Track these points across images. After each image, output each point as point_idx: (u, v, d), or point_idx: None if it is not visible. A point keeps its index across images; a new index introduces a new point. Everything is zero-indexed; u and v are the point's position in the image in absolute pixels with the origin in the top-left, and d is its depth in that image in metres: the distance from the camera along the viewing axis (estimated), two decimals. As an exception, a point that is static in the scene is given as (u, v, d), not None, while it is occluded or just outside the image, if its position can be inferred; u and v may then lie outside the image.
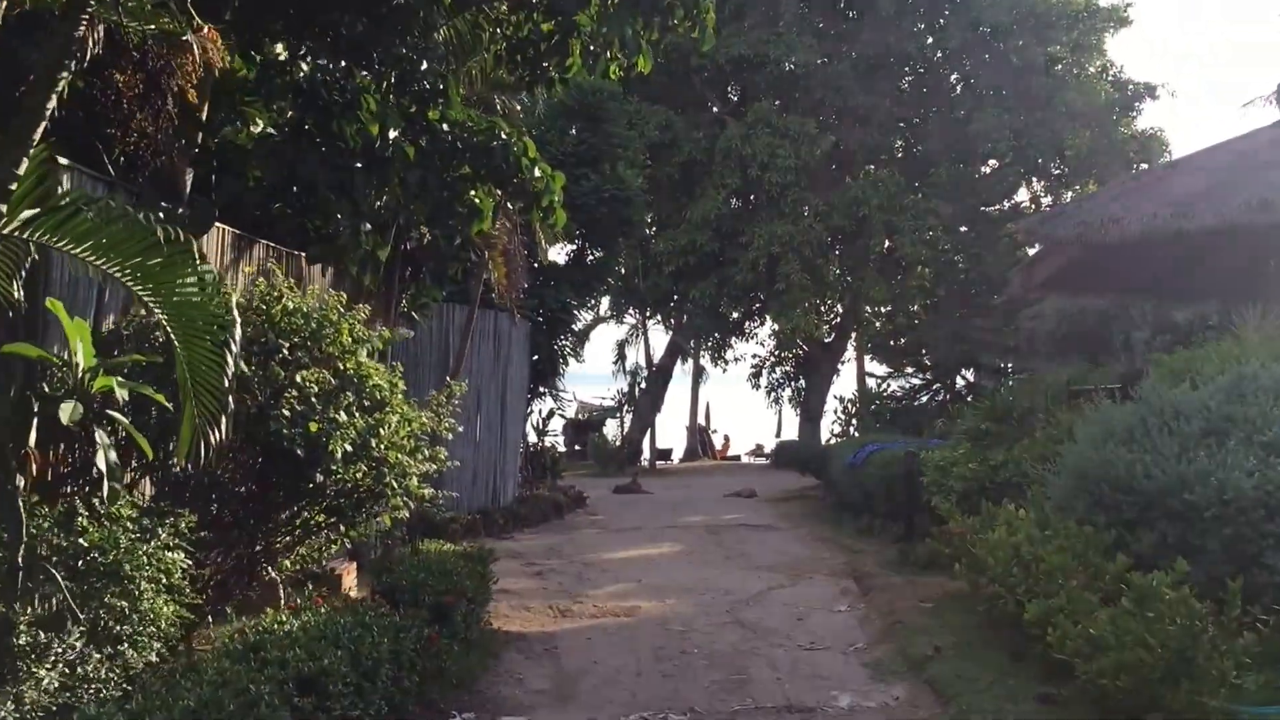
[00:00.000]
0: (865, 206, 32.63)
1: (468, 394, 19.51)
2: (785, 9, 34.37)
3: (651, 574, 15.45)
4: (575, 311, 24.28)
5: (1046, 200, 35.35)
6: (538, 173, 10.64)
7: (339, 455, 7.12)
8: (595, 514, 23.70)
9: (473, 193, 10.73)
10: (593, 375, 40.90)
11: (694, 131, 34.51)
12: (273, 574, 8.34)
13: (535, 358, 24.33)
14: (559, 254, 25.51)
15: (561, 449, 41.91)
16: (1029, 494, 11.35)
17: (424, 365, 18.61)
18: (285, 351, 7.25)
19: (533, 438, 26.37)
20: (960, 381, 31.68)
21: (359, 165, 9.84)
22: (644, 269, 36.01)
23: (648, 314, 40.26)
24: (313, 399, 7.23)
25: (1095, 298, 20.30)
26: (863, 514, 19.94)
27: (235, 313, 5.53)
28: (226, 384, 5.25)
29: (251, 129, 10.26)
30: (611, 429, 40.83)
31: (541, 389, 25.90)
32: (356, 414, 7.50)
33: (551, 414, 27.12)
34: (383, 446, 7.50)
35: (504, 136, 10.44)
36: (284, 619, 6.47)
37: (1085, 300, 24.32)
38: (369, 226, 10.39)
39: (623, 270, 38.51)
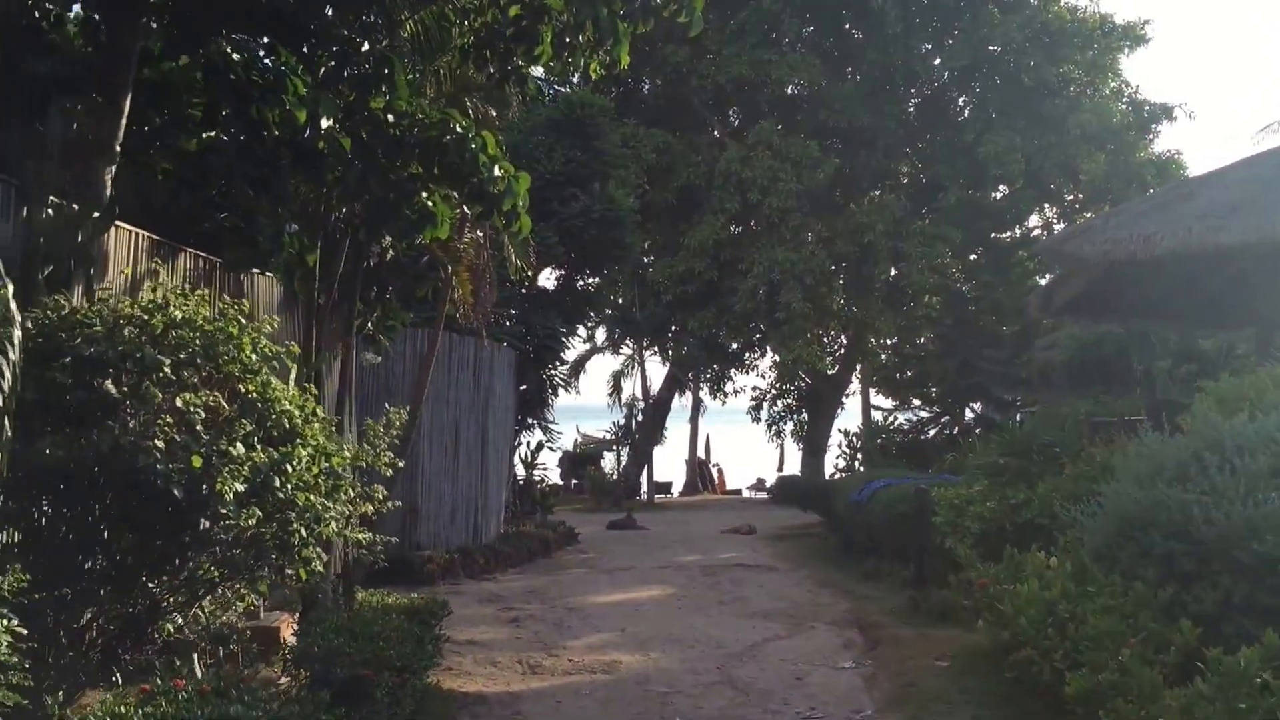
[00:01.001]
0: (870, 232, 31.22)
1: (444, 426, 18.28)
2: (788, 28, 33.12)
3: (638, 622, 14.05)
4: (564, 339, 22.91)
5: (1059, 227, 34.02)
6: (498, 171, 9.27)
7: (229, 496, 5.74)
8: (585, 552, 22.31)
9: (424, 195, 9.37)
10: (589, 408, 39.57)
11: (692, 155, 33.18)
12: (177, 633, 6.96)
13: (524, 387, 22.99)
14: (548, 279, 24.23)
15: (558, 482, 40.85)
16: (1059, 540, 9.98)
17: (398, 395, 17.20)
18: (167, 369, 5.87)
19: (521, 471, 25.02)
20: (969, 414, 30.37)
21: (284, 158, 8.50)
22: (640, 298, 34.68)
23: (644, 345, 38.81)
24: (198, 428, 5.86)
25: (1117, 323, 18.88)
26: (868, 555, 18.54)
27: (13, 310, 4.21)
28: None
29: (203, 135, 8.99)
30: (610, 462, 39.41)
31: (530, 420, 24.53)
32: (257, 446, 6.13)
33: (540, 446, 25.72)
34: (289, 486, 6.11)
35: (459, 130, 9.09)
36: (125, 708, 5.06)
37: (1105, 326, 23.04)
38: (295, 227, 9.02)
39: (619, 300, 37.37)
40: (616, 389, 40.70)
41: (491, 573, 18.29)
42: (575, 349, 32.74)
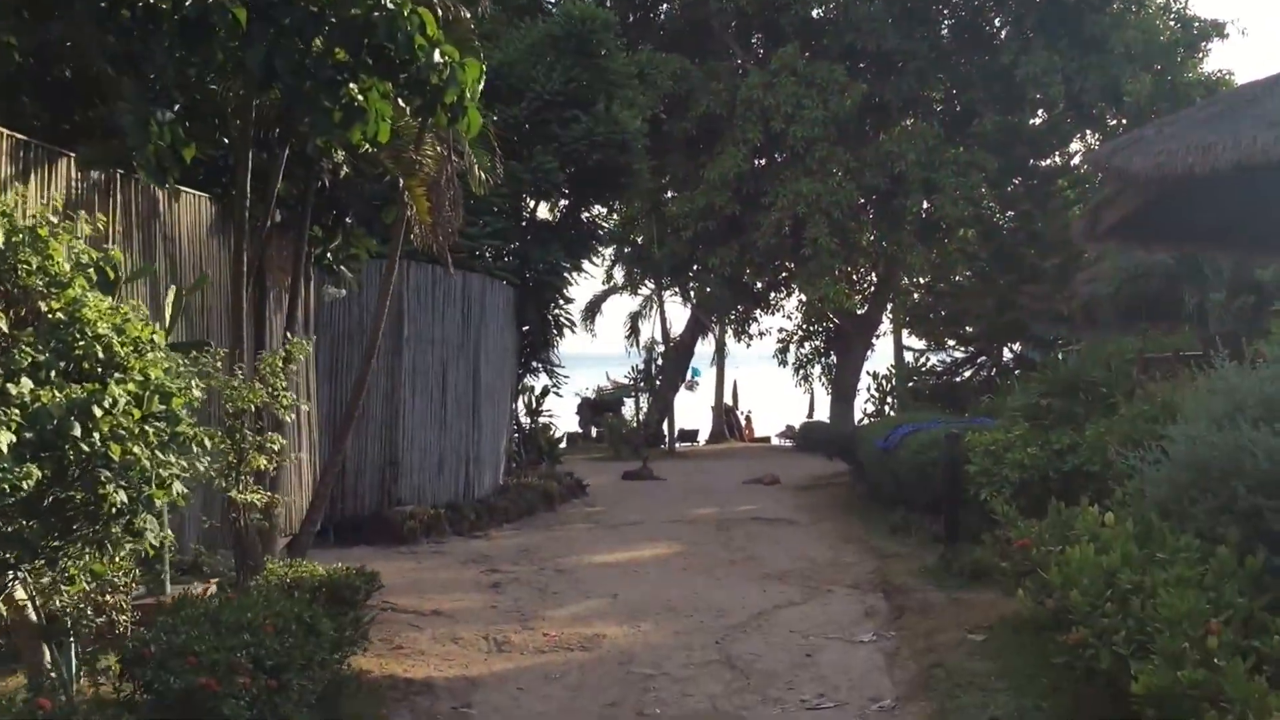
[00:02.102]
0: (901, 162, 29.42)
1: (429, 368, 16.78)
2: (813, -56, 31.21)
3: (633, 586, 12.59)
4: (567, 274, 21.26)
5: (1102, 153, 32.07)
6: (439, 57, 7.68)
7: (2, 447, 4.25)
8: (593, 505, 20.86)
9: (353, 86, 7.79)
10: (613, 356, 38.17)
11: (712, 82, 31.32)
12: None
13: (525, 329, 21.44)
14: (549, 211, 22.58)
15: (576, 430, 39.44)
16: (1115, 492, 8.39)
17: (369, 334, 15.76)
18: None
19: (525, 419, 23.55)
20: (1007, 354, 28.68)
21: (159, 30, 6.92)
22: (658, 235, 33.03)
23: (664, 285, 37.06)
24: (-39, 357, 4.35)
25: (1168, 249, 17.16)
26: (896, 507, 17.00)
27: None
28: None
29: None
30: (631, 410, 37.88)
31: (535, 364, 22.98)
32: (55, 381, 4.62)
33: (546, 391, 24.14)
34: (98, 435, 4.59)
35: (390, 6, 7.50)
36: None
37: (1155, 255, 21.41)
38: (169, 115, 7.44)
39: (638, 238, 35.75)
40: (634, 331, 39.13)
41: (484, 529, 16.86)
42: (579, 285, 31.16)
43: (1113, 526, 7.38)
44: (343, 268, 12.87)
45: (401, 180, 10.35)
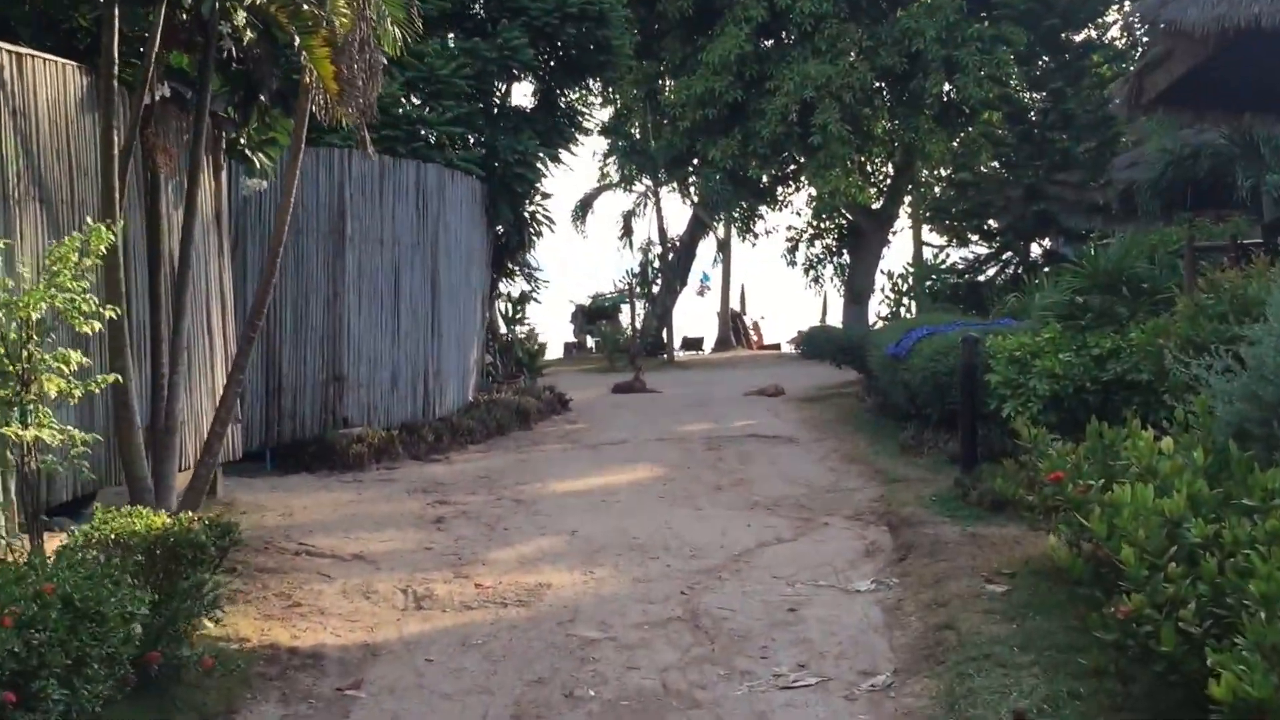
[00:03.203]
0: (919, 40, 27.72)
1: (378, 271, 15.28)
2: None
3: (598, 519, 11.19)
4: (543, 165, 19.54)
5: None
6: None
7: None
8: (575, 422, 19.50)
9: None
10: (601, 259, 36.67)
11: (710, -49, 29.49)
12: None
13: (501, 230, 19.85)
14: (523, 96, 20.91)
15: (571, 340, 38.04)
16: (1176, 410, 6.89)
17: (306, 234, 14.27)
18: None
19: (503, 328, 22.08)
20: (1036, 250, 27.00)
21: None
22: (654, 125, 31.33)
23: (660, 180, 35.22)
24: None
25: (1224, 118, 15.45)
26: (907, 422, 15.59)
27: None
28: None
29: None
30: (628, 317, 36.38)
31: (511, 267, 21.40)
32: None
33: (525, 298, 22.58)
34: None
35: None
36: None
37: (1208, 125, 19.71)
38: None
39: (634, 130, 34.05)
40: (628, 231, 37.45)
41: (444, 452, 15.50)
42: (563, 180, 29.34)
43: (1173, 456, 5.89)
44: (260, 155, 11.31)
45: (297, 40, 8.76)
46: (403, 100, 16.79)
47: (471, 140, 18.43)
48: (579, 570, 9.12)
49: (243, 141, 11.45)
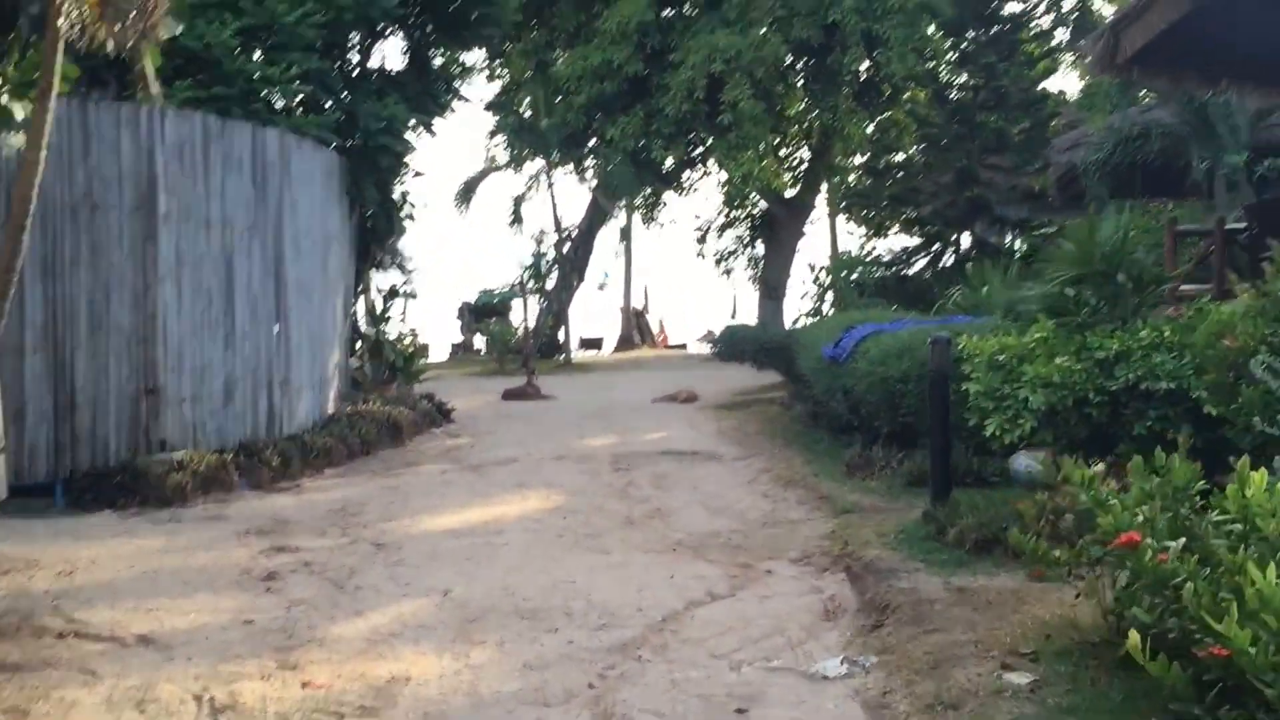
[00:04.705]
0: (837, 10, 26.15)
1: (204, 259, 12.99)
2: None
3: (480, 571, 9.07)
4: (412, 132, 17.33)
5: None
6: None
7: None
8: (457, 436, 17.43)
9: None
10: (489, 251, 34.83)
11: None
12: None
13: (368, 212, 17.62)
14: (389, 57, 18.75)
15: (458, 340, 35.96)
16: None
17: (105, 211, 11.98)
18: None
19: (369, 328, 19.84)
20: (968, 240, 25.47)
21: None
22: (546, 101, 29.33)
23: (554, 161, 33.10)
24: None
25: (1209, 83, 14.05)
26: (849, 434, 13.77)
27: None
28: None
29: None
30: (520, 315, 34.36)
31: (379, 255, 19.17)
32: None
33: (395, 292, 20.33)
34: None
35: None
36: None
37: (1156, 108, 18.51)
38: None
39: (522, 108, 32.06)
40: (517, 218, 35.31)
41: (294, 478, 13.32)
42: (431, 154, 27.27)
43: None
44: (13, 104, 9.03)
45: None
46: (238, 53, 14.39)
47: (327, 105, 16.14)
48: (450, 652, 7.00)
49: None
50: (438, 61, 18.94)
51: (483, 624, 7.58)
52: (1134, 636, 4.64)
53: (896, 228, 29.74)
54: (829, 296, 24.37)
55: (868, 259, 26.16)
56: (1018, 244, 24.44)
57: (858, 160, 32.14)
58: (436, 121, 18.67)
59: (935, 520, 8.94)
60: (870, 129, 30.08)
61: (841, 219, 36.90)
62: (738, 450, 15.14)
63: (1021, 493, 10.44)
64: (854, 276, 24.51)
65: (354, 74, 17.35)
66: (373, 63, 18.15)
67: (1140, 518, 5.08)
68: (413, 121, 17.09)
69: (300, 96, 15.34)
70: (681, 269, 37.74)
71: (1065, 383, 8.33)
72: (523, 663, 6.79)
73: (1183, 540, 4.82)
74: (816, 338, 16.02)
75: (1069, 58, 29.59)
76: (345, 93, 16.42)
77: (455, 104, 19.35)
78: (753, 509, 11.34)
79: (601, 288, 38.98)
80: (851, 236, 33.78)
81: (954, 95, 25.71)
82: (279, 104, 15.10)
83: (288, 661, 6.85)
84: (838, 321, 16.26)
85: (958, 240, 25.20)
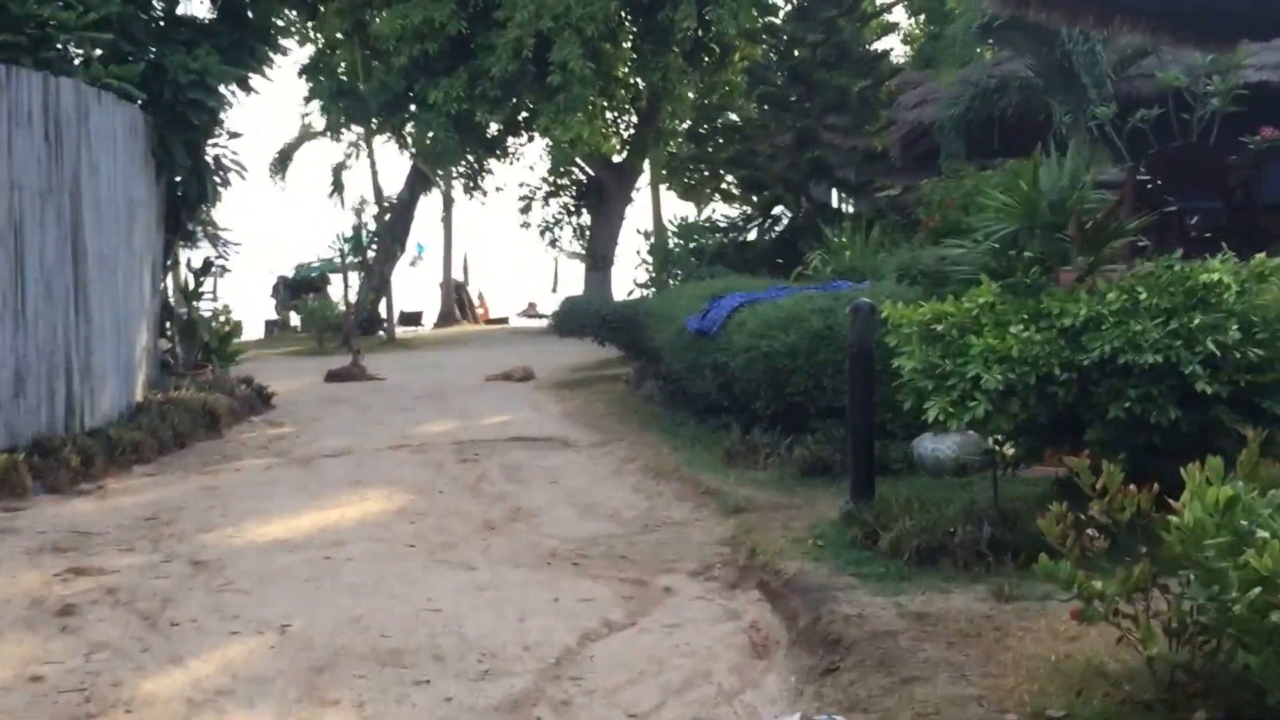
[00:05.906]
0: (668, -37, 24.82)
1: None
2: None
3: (323, 596, 7.45)
4: (223, 91, 15.37)
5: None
6: None
7: None
8: (280, 424, 15.61)
9: None
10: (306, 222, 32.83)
11: None
12: None
13: (179, 179, 15.61)
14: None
15: (273, 318, 33.81)
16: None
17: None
18: None
19: (181, 306, 17.79)
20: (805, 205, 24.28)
21: None
22: (363, 63, 27.37)
23: (373, 128, 31.05)
24: None
25: (1102, 22, 12.86)
26: (719, 416, 12.44)
27: None
28: None
29: None
30: (340, 290, 32.28)
31: (190, 226, 17.13)
32: None
33: (208, 266, 18.28)
34: None
35: None
36: None
37: (1010, 60, 17.83)
38: None
39: (341, 70, 30.01)
40: (337, 187, 33.24)
41: (98, 479, 11.41)
42: (246, 112, 25.06)
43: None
44: None
45: None
46: (26, -4, 12.32)
47: (131, 56, 14.09)
48: (295, 718, 5.41)
49: None
50: (252, 11, 16.86)
51: (333, 673, 5.98)
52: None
53: (719, 193, 28.64)
54: (670, 266, 22.97)
55: (705, 225, 24.85)
56: (852, 208, 23.42)
57: (687, 125, 30.98)
58: (255, 80, 16.67)
59: (861, 522, 7.60)
60: (700, 90, 28.83)
61: (664, 188, 35.74)
62: (592, 435, 13.69)
63: (932, 482, 9.25)
64: (691, 244, 23.15)
65: (161, 23, 15.29)
66: (181, 9, 16.07)
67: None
68: (226, 72, 15.09)
69: (100, 47, 13.30)
70: (502, 240, 36.20)
71: (1025, 357, 6.97)
72: (391, 733, 5.24)
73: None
74: (673, 309, 14.62)
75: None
76: (150, 42, 14.38)
77: (275, 58, 17.32)
78: (627, 507, 9.92)
79: (414, 264, 37.13)
80: (676, 205, 32.48)
81: (796, 52, 24.51)
82: (77, 55, 13.05)
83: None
84: (697, 291, 14.83)
85: (799, 204, 24.08)
